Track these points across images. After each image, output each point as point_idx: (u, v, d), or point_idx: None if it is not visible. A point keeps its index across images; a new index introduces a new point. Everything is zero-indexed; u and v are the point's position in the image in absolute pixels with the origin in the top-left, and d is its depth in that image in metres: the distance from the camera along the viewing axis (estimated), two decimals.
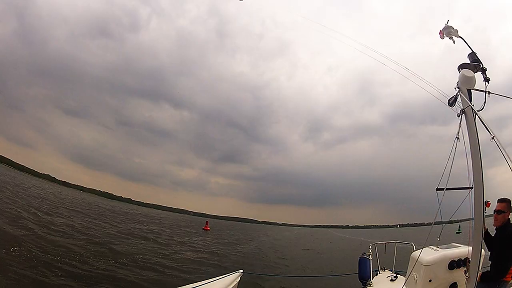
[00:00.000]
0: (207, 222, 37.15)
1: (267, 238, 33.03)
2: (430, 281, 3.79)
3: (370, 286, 4.88)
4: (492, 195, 3.36)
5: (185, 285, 3.48)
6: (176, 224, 39.35)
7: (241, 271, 4.40)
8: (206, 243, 19.74)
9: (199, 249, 16.13)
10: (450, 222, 3.07)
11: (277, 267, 13.23)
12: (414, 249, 4.88)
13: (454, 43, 3.19)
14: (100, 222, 19.76)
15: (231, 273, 4.20)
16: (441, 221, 2.88)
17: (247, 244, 22.55)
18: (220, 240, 23.02)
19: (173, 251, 13.73)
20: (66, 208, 24.41)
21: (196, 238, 22.07)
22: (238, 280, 4.18)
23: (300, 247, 25.19)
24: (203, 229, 32.93)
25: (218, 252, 15.62)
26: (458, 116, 2.80)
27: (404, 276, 4.56)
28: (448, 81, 3.08)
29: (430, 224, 3.01)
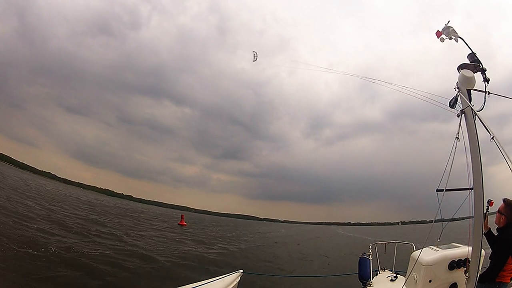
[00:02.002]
0: (182, 216, 32.63)
1: (252, 238, 26.72)
2: (430, 281, 3.79)
3: (370, 286, 4.87)
4: (494, 194, 3.35)
5: (184, 285, 3.49)
6: (153, 218, 34.87)
7: (241, 271, 4.40)
8: (155, 241, 14.39)
9: (134, 250, 11.16)
10: (453, 220, 3.07)
11: None
12: (414, 249, 4.88)
13: (443, 41, 3.14)
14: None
15: (231, 273, 4.20)
16: (443, 218, 2.89)
17: (208, 246, 16.12)
18: (186, 239, 18.04)
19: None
20: None
21: (149, 233, 17.16)
22: (238, 280, 4.18)
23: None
24: (178, 224, 28.84)
25: (152, 256, 10.72)
26: (458, 117, 2.79)
27: (404, 276, 4.56)
28: (450, 77, 3.04)
29: (432, 221, 3.00)
